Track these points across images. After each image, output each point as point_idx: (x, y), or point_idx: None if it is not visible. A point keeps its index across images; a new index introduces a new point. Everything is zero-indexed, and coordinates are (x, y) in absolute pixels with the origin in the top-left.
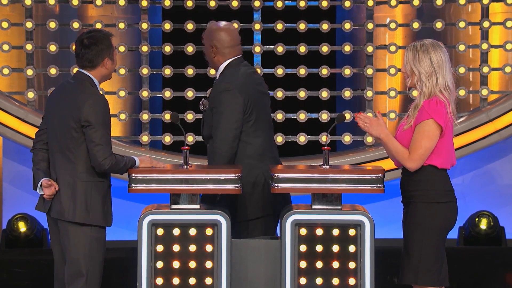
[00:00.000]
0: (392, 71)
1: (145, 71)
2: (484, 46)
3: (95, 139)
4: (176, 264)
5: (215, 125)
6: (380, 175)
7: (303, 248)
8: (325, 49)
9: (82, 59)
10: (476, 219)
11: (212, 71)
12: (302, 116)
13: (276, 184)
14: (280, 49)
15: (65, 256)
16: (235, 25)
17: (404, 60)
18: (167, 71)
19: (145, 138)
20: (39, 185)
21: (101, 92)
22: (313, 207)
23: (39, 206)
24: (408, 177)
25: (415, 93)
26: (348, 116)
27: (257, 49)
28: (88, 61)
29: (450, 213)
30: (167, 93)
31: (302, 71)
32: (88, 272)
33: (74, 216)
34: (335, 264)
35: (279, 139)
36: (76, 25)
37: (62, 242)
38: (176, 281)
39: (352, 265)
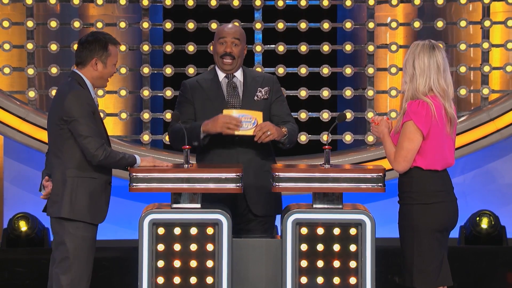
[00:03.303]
0: (393, 70)
1: (146, 70)
2: (485, 45)
3: (82, 132)
4: (177, 263)
5: (287, 110)
6: (381, 174)
7: (304, 247)
8: (326, 48)
9: (76, 56)
10: (477, 218)
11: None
12: (303, 115)
13: (277, 183)
14: (281, 48)
15: (54, 253)
16: (236, 24)
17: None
18: (168, 70)
19: (146, 137)
20: (41, 185)
21: (100, 92)
22: (314, 206)
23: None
24: (399, 179)
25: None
26: (349, 115)
27: (258, 48)
28: (78, 57)
29: (439, 214)
30: (168, 92)
31: (303, 70)
32: (74, 271)
33: (59, 212)
34: (336, 263)
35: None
36: (77, 24)
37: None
38: (177, 280)
39: (353, 264)
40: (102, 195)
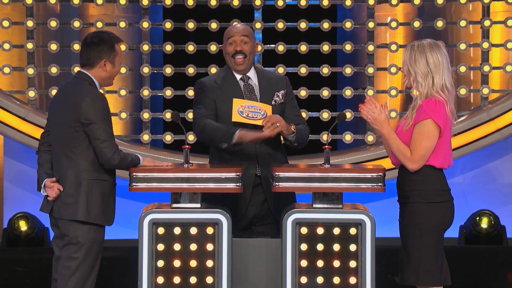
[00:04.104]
0: (393, 70)
1: (146, 70)
2: (485, 45)
3: (100, 136)
4: (177, 263)
5: (298, 112)
6: (381, 174)
7: (304, 247)
8: (326, 48)
9: (82, 57)
10: (477, 218)
11: (213, 70)
12: (303, 115)
13: (277, 183)
14: (281, 48)
15: (61, 253)
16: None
17: (402, 60)
18: (168, 70)
19: (146, 137)
20: (42, 185)
21: (101, 91)
22: (314, 206)
23: (43, 207)
24: (405, 177)
25: (416, 92)
26: (349, 115)
27: (258, 48)
28: (87, 59)
29: (446, 213)
30: (168, 92)
31: (303, 70)
32: (82, 272)
33: (75, 215)
34: (336, 263)
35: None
36: (77, 24)
37: (61, 241)
38: (177, 280)
39: (353, 264)
40: (111, 197)
